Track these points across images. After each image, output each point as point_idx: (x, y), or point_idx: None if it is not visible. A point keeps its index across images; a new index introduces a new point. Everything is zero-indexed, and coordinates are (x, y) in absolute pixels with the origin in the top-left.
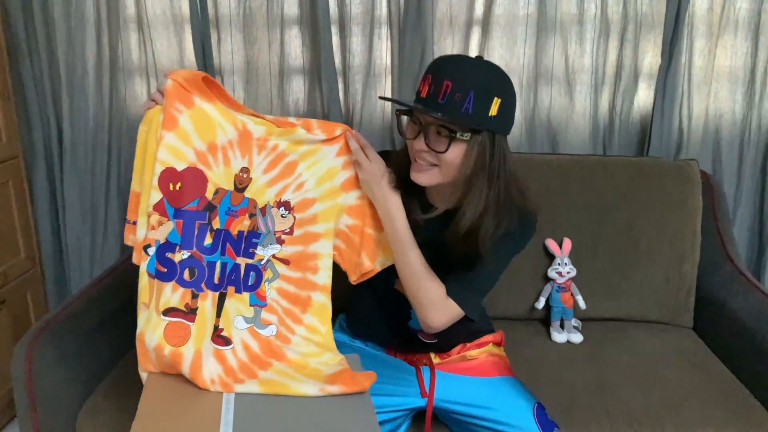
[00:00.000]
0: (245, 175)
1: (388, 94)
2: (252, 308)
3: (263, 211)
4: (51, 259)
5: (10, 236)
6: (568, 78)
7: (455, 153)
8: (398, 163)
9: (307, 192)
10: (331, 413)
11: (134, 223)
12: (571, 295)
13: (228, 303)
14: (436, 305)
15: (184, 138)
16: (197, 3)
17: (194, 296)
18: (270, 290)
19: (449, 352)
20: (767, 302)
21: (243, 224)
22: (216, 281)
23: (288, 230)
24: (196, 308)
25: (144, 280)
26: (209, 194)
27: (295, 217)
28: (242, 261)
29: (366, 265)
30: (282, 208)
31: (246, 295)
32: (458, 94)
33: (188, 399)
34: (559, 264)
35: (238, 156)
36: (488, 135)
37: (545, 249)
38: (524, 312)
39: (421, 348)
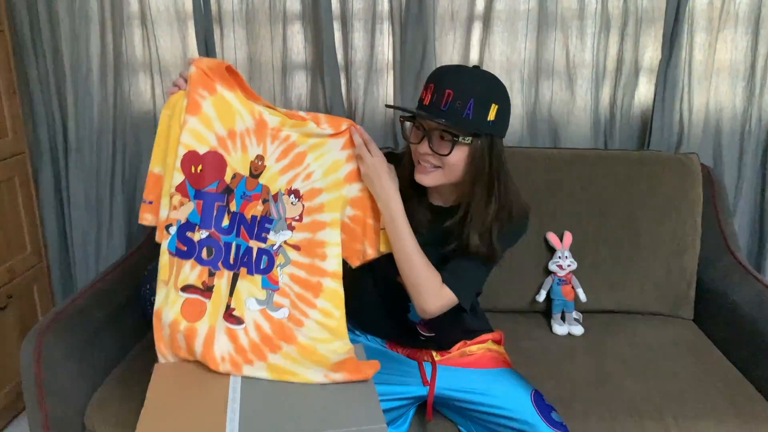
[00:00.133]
0: (260, 162)
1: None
2: (264, 291)
3: (275, 197)
4: (57, 254)
5: (17, 232)
6: (569, 72)
7: (458, 156)
8: (403, 166)
9: (315, 182)
10: (335, 401)
11: (150, 202)
12: (572, 287)
13: (240, 284)
14: (431, 291)
15: (207, 123)
16: None
17: (211, 274)
18: (282, 275)
19: (450, 350)
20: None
21: (257, 209)
22: (231, 261)
23: (298, 217)
24: (212, 286)
25: (165, 258)
26: (227, 178)
27: (304, 205)
28: (254, 244)
29: (369, 252)
30: (292, 195)
31: (258, 278)
32: (459, 101)
33: (195, 388)
34: (560, 257)
35: (255, 143)
36: (487, 138)
37: (546, 242)
38: (525, 305)
39: (422, 344)
